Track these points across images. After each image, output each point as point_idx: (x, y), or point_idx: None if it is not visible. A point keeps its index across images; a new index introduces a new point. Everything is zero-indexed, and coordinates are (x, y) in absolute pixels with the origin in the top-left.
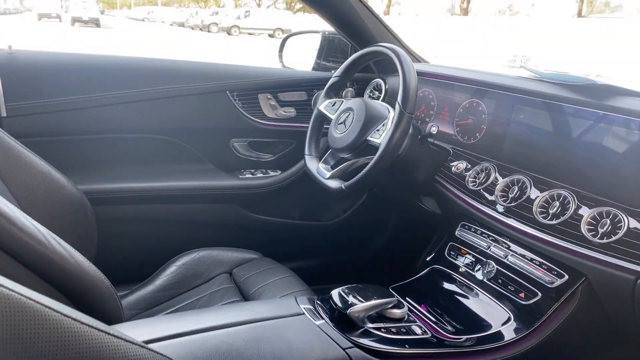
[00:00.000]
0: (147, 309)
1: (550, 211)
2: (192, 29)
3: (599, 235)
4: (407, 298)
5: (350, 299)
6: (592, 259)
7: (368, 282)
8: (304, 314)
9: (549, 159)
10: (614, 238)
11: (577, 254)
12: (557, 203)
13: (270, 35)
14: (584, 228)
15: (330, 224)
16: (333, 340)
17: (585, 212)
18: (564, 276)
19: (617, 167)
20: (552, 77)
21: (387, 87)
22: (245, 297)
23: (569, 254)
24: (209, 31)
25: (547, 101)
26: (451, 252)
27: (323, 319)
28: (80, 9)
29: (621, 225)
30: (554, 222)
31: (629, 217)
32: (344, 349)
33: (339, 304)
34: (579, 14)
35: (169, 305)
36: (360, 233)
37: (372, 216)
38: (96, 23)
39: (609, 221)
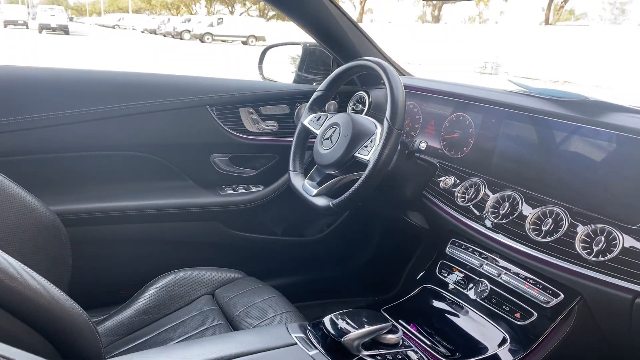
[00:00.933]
0: (126, 335)
1: (543, 228)
2: (165, 36)
3: (593, 253)
4: (400, 320)
5: (343, 325)
6: (587, 277)
7: (354, 297)
8: (296, 344)
9: (539, 174)
10: (609, 256)
11: (573, 273)
12: (550, 220)
13: (244, 43)
14: (578, 246)
15: (314, 239)
16: None
17: (579, 229)
18: (559, 295)
19: (610, 184)
20: (542, 92)
21: (370, 100)
22: (229, 319)
23: (564, 272)
24: (181, 38)
25: (535, 116)
26: (442, 270)
27: (316, 348)
28: (48, 16)
29: (616, 243)
30: (547, 239)
31: (623, 235)
32: None
33: (332, 332)
34: (546, 22)
35: (149, 331)
36: (344, 248)
37: (357, 231)
38: (65, 30)
39: (603, 239)
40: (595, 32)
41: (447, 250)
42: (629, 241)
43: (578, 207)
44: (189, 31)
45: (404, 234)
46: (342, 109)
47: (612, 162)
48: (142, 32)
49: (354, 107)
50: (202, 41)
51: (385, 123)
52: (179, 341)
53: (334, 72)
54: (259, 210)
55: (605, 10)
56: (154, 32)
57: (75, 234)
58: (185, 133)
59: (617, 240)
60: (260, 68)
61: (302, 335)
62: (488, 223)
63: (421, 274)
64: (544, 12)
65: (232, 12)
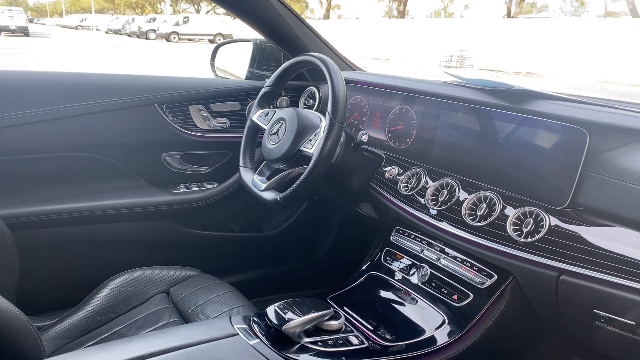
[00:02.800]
0: (79, 337)
1: (478, 213)
2: (130, 36)
3: (523, 235)
4: (344, 308)
5: (287, 314)
6: (518, 258)
7: (313, 290)
8: (237, 334)
9: (474, 161)
10: (537, 237)
11: (504, 254)
12: (484, 205)
13: (211, 41)
14: (509, 228)
15: (272, 234)
16: (267, 359)
17: (510, 212)
18: (493, 276)
19: (537, 168)
20: (474, 82)
21: (320, 94)
22: (183, 316)
23: (497, 254)
24: (147, 38)
25: (470, 106)
26: (387, 258)
27: (258, 337)
28: (6, 18)
29: (543, 224)
30: (481, 223)
31: (550, 216)
32: None
33: (274, 321)
34: (508, 15)
35: (102, 331)
36: (303, 241)
37: (314, 224)
38: (25, 32)
39: (532, 220)
40: (555, 24)
41: (391, 238)
42: (554, 222)
43: (510, 192)
44: (155, 31)
45: (359, 226)
46: (294, 104)
47: (538, 147)
48: (106, 32)
49: (305, 102)
50: (168, 40)
51: (327, 117)
52: None
53: (280, 68)
54: (213, 208)
55: (566, 3)
56: (118, 32)
57: (22, 238)
58: (134, 132)
59: (544, 222)
60: (212, 66)
61: (244, 326)
62: (431, 212)
63: (367, 262)
64: (506, 5)
65: (198, 11)
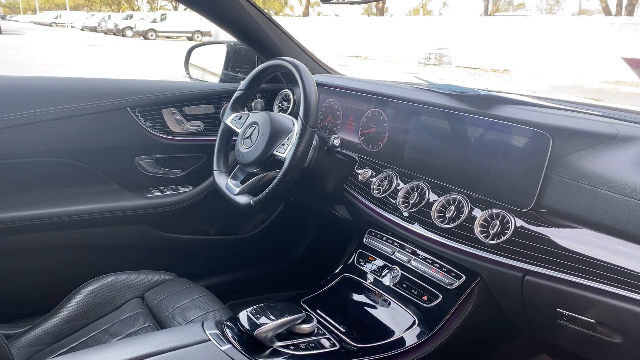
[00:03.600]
0: (52, 344)
1: (447, 215)
2: (106, 33)
3: (490, 237)
4: (317, 310)
5: (259, 319)
6: (485, 259)
7: (291, 292)
8: (209, 340)
9: (444, 164)
10: (503, 238)
11: (472, 255)
12: (453, 207)
13: (189, 38)
14: (476, 230)
15: (248, 236)
16: None
17: (478, 214)
18: (461, 277)
19: (503, 171)
20: (442, 87)
21: (295, 97)
22: (158, 321)
23: (465, 255)
24: (123, 36)
25: (439, 110)
26: (360, 260)
27: (230, 343)
28: None
29: (509, 226)
30: (450, 225)
31: (515, 218)
32: None
33: (246, 326)
34: (485, 12)
35: (75, 338)
36: (279, 243)
37: (291, 226)
38: None
39: (498, 222)
40: (531, 22)
41: (364, 241)
42: (520, 223)
43: (477, 194)
44: (132, 28)
45: (335, 228)
46: (269, 106)
47: (504, 151)
48: (82, 29)
49: (280, 104)
50: (145, 38)
51: (299, 121)
52: None
53: (252, 72)
54: (188, 211)
55: (541, 1)
56: (94, 29)
57: None
58: (107, 136)
59: (510, 224)
60: (186, 68)
61: (216, 331)
62: (402, 214)
63: (341, 264)
64: (483, 3)
65: (175, 8)
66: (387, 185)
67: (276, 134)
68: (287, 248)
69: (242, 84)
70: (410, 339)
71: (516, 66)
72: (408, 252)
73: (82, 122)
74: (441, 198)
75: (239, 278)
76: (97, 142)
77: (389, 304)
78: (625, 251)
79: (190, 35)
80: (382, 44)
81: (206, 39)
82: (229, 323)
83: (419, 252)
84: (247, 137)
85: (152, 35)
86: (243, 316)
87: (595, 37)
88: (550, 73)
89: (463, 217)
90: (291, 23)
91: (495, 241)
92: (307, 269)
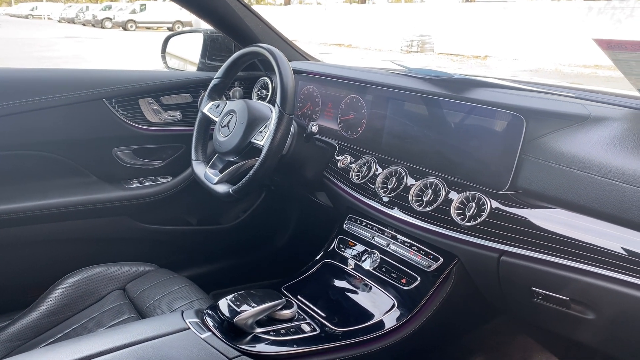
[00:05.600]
0: (32, 338)
1: (424, 199)
2: (84, 25)
3: (466, 219)
4: (298, 296)
5: (239, 306)
6: (461, 241)
7: (274, 280)
8: (189, 328)
9: (421, 148)
10: (479, 220)
11: (449, 238)
12: (430, 191)
13: (170, 29)
14: (453, 213)
15: (230, 226)
16: (219, 352)
17: (454, 197)
18: (439, 259)
19: (478, 154)
20: (418, 72)
21: (273, 85)
22: (140, 312)
23: (442, 238)
24: (102, 27)
25: (416, 95)
26: (340, 246)
27: (210, 330)
28: None
29: (485, 208)
30: (427, 209)
31: (490, 200)
32: (230, 359)
33: (226, 313)
34: None
35: (56, 331)
36: (262, 232)
37: (274, 214)
38: None
39: (474, 205)
40: (512, 7)
41: (344, 226)
42: (495, 205)
43: (453, 177)
44: (111, 19)
45: (317, 214)
46: (247, 94)
47: (479, 134)
48: (59, 21)
49: (259, 92)
50: (125, 29)
51: (276, 109)
52: None
53: (229, 59)
54: (168, 202)
55: None
56: (72, 21)
57: None
58: (83, 128)
59: (486, 205)
60: (163, 57)
61: (196, 320)
62: (382, 199)
63: (322, 251)
64: None
65: None
66: (366, 171)
67: (254, 122)
68: (270, 236)
69: (219, 72)
70: (390, 321)
71: (497, 52)
72: (387, 236)
73: (57, 114)
74: (419, 182)
75: (222, 267)
76: (73, 134)
77: (369, 287)
78: (597, 229)
79: (170, 25)
80: (365, 32)
81: (187, 29)
82: (209, 311)
83: (398, 236)
84: (225, 126)
85: (131, 26)
86: (223, 304)
87: (575, 21)
88: (531, 58)
89: (440, 200)
90: (273, 12)
91: (472, 223)
92: (290, 256)
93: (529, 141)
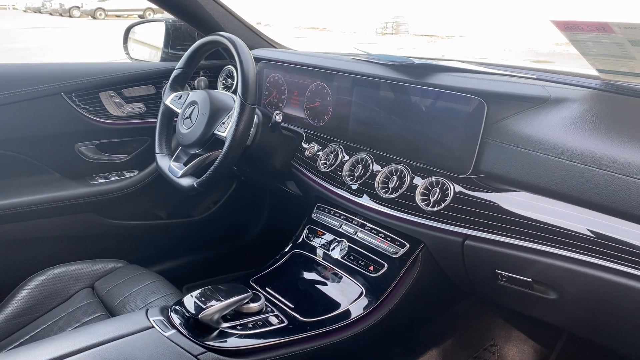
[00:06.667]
0: None
1: (390, 185)
2: (51, 14)
3: (431, 204)
4: (267, 288)
5: (205, 302)
6: (426, 226)
7: (247, 271)
8: (152, 327)
9: (386, 135)
10: (443, 205)
11: (414, 224)
12: (395, 177)
13: (141, 16)
14: (418, 198)
15: (201, 218)
16: (184, 349)
17: (419, 182)
18: (405, 245)
19: (441, 138)
20: (379, 57)
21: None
22: (109, 310)
23: (408, 224)
24: (70, 16)
25: (380, 81)
26: (309, 235)
27: (176, 328)
28: None
29: (448, 193)
30: (393, 195)
31: (454, 184)
32: (195, 356)
33: (191, 310)
34: None
35: (22, 334)
36: (235, 223)
37: (246, 204)
38: None
39: (438, 190)
40: None
41: (313, 216)
42: (459, 189)
43: (418, 163)
44: (79, 7)
45: (289, 204)
46: (213, 84)
47: (442, 118)
48: (25, 11)
49: (224, 81)
50: (94, 18)
51: (237, 99)
52: None
53: (189, 49)
54: (136, 196)
55: None
56: (38, 10)
57: None
58: (42, 124)
59: (449, 190)
60: (125, 48)
61: (161, 317)
62: (349, 187)
63: (291, 241)
64: None
65: None
66: (333, 159)
67: (216, 113)
68: (243, 227)
69: (180, 62)
70: (357, 309)
71: (472, 32)
72: (355, 224)
73: (15, 111)
74: (384, 169)
75: (194, 260)
76: (32, 131)
77: (338, 276)
78: (558, 211)
79: (141, 13)
80: (340, 15)
81: (158, 16)
82: (176, 307)
83: (366, 223)
84: (187, 118)
85: (100, 14)
86: (188, 300)
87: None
88: (505, 37)
89: (405, 186)
90: (224, 2)
91: (436, 208)
92: (265, 246)
93: (491, 125)
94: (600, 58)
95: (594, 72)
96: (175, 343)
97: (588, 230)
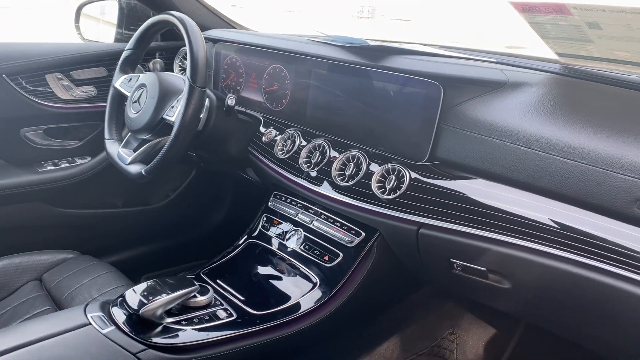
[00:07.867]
0: None
1: (347, 173)
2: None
3: (386, 192)
4: (217, 281)
5: (148, 296)
6: (382, 215)
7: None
8: (89, 324)
9: (343, 120)
10: (398, 193)
11: (370, 212)
12: (352, 164)
13: None
14: (374, 186)
15: (159, 205)
16: (122, 347)
17: (375, 169)
18: (361, 234)
19: (398, 124)
20: (336, 39)
21: None
22: (57, 303)
23: (364, 212)
24: None
25: (337, 64)
26: (266, 225)
27: (116, 324)
28: None
29: (404, 180)
30: (349, 183)
31: (410, 171)
32: (134, 354)
33: (133, 305)
34: None
35: None
36: (195, 211)
37: (206, 192)
38: None
39: (394, 177)
40: None
41: (269, 204)
42: (414, 176)
43: (375, 149)
44: None
45: (251, 192)
46: (169, 66)
47: (399, 103)
48: None
49: (180, 63)
50: None
51: (186, 82)
52: None
53: (139, 29)
54: (88, 183)
55: None
56: None
57: None
58: None
59: (405, 178)
60: (77, 28)
61: (99, 313)
62: (306, 175)
63: (246, 231)
64: None
65: None
66: (290, 145)
67: (165, 96)
68: (204, 215)
69: (130, 43)
70: (310, 301)
71: (449, 16)
72: (311, 213)
73: None
74: (341, 156)
75: (153, 250)
76: None
77: (293, 267)
78: (513, 198)
79: None
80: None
81: None
82: (118, 302)
83: (322, 212)
84: (136, 101)
85: None
86: (130, 295)
87: None
88: (479, 19)
89: (361, 174)
90: None
91: (391, 196)
92: (225, 236)
93: (447, 110)
94: (558, 41)
95: (555, 56)
96: (112, 341)
97: (543, 218)
